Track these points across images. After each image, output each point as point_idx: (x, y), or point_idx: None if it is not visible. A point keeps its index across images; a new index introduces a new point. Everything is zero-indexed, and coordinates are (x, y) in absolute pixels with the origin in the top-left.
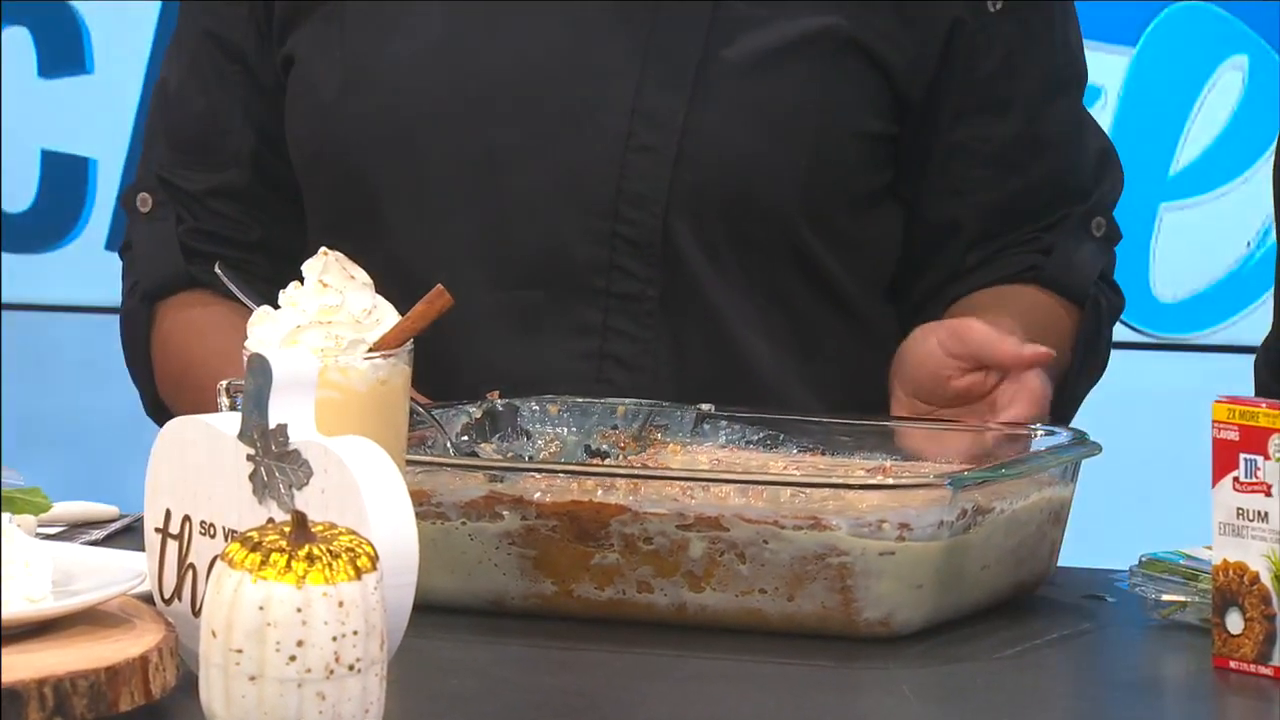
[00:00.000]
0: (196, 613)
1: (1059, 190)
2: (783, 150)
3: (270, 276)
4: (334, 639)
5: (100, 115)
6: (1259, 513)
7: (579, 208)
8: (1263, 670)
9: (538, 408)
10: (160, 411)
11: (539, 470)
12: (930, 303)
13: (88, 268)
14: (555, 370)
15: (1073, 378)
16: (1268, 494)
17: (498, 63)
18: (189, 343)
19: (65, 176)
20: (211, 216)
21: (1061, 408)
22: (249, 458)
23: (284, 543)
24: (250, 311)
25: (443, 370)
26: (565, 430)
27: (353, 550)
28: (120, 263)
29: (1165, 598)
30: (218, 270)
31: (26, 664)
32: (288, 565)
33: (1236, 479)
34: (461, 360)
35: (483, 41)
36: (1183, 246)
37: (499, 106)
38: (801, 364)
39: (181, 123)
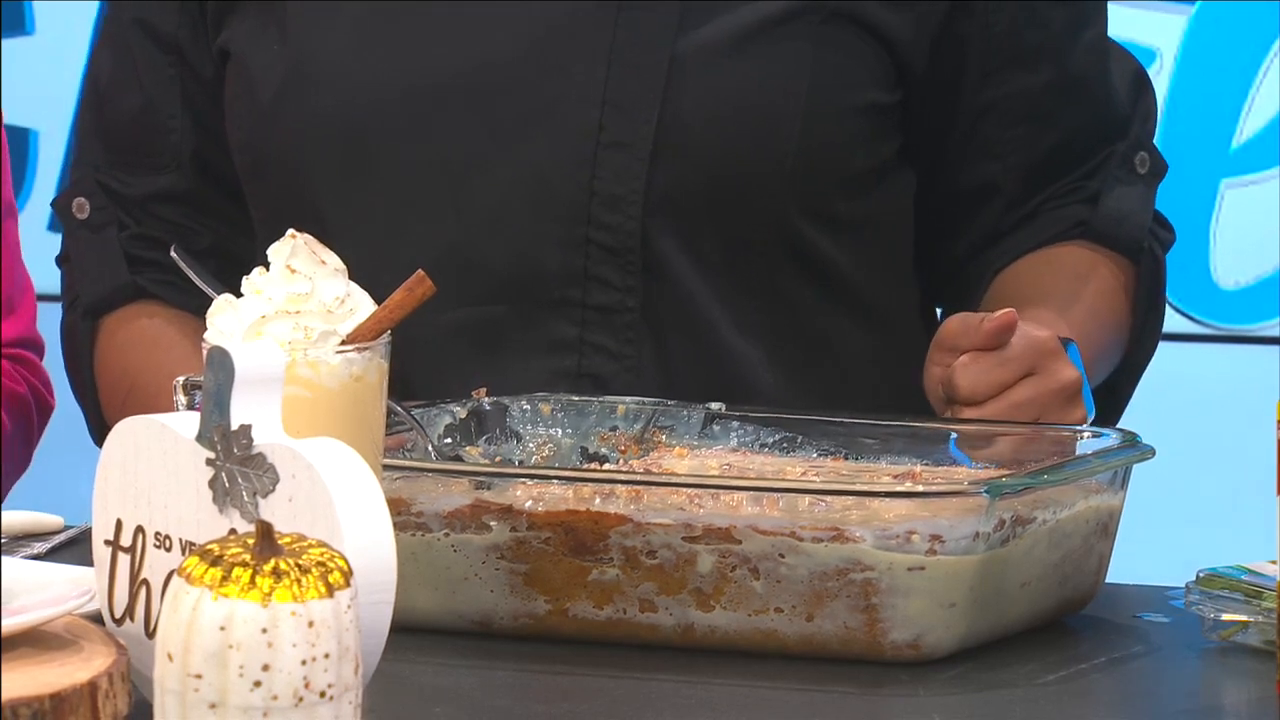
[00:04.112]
0: (151, 634)
1: (1098, 130)
2: (769, 135)
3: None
4: (303, 663)
5: (43, 81)
6: None
7: (548, 213)
8: None
9: (529, 407)
10: (106, 434)
11: (530, 476)
12: (969, 266)
13: (27, 253)
14: (527, 392)
15: (1135, 341)
16: None
17: (451, 59)
18: (136, 358)
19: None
20: (156, 222)
21: (1129, 375)
22: (209, 462)
23: (248, 556)
24: (204, 309)
25: (399, 394)
26: (560, 432)
27: (324, 565)
28: (60, 268)
29: (1225, 617)
30: (173, 253)
31: None
32: (252, 581)
33: None
34: (418, 383)
35: (434, 36)
36: (1246, 227)
37: (454, 106)
38: (807, 371)
39: (116, 121)
